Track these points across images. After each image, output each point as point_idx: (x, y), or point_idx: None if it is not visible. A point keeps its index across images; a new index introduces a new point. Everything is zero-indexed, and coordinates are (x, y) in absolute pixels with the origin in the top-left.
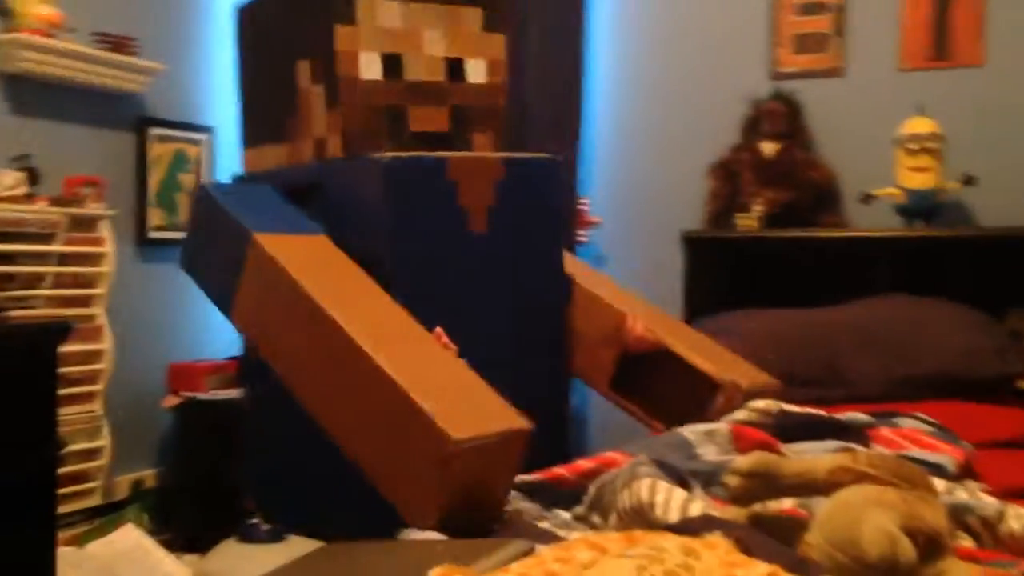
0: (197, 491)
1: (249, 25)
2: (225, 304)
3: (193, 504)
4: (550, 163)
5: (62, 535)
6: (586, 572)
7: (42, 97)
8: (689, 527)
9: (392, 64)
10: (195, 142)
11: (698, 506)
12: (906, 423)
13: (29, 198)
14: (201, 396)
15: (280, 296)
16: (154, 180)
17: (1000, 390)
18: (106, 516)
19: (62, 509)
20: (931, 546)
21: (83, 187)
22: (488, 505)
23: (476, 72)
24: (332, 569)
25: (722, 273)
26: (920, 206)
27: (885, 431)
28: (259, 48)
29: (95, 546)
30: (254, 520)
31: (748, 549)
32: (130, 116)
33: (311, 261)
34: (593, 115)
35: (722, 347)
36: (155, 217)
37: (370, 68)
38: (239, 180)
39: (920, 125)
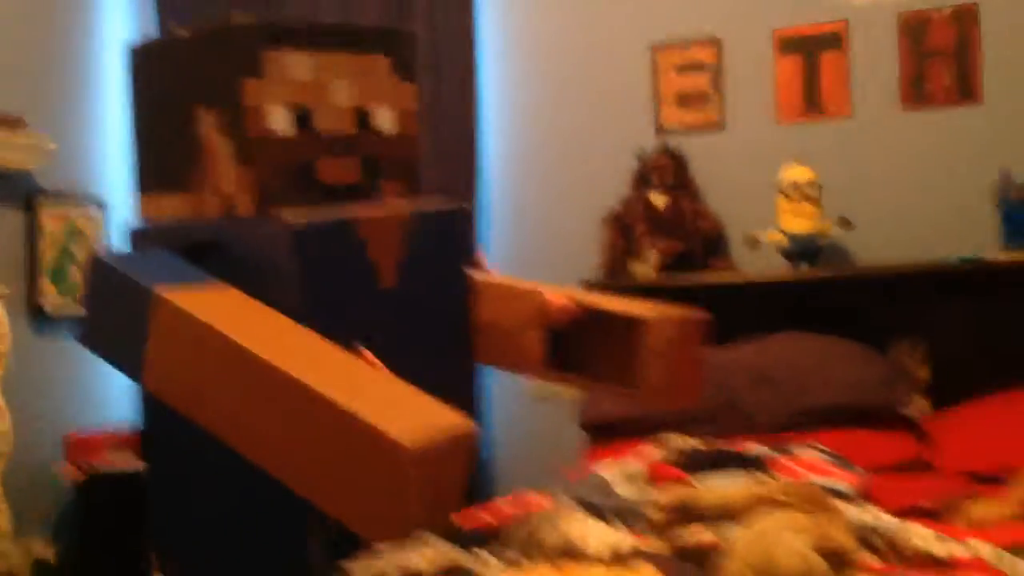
0: (99, 567)
1: (143, 65)
2: (135, 371)
3: None
4: (460, 212)
5: None
6: None
7: None
8: (621, 561)
9: (301, 116)
10: (88, 216)
11: (622, 539)
12: (803, 452)
13: None
14: (104, 469)
15: (199, 349)
16: (47, 255)
17: (887, 417)
18: None
19: None
20: (840, 564)
21: None
22: (445, 509)
23: (385, 121)
24: None
25: None
26: (803, 249)
27: (784, 460)
28: (155, 89)
29: None
30: None
31: None
32: (20, 192)
33: (224, 308)
34: (487, 168)
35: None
36: (49, 292)
37: (279, 121)
38: (133, 235)
39: (798, 174)
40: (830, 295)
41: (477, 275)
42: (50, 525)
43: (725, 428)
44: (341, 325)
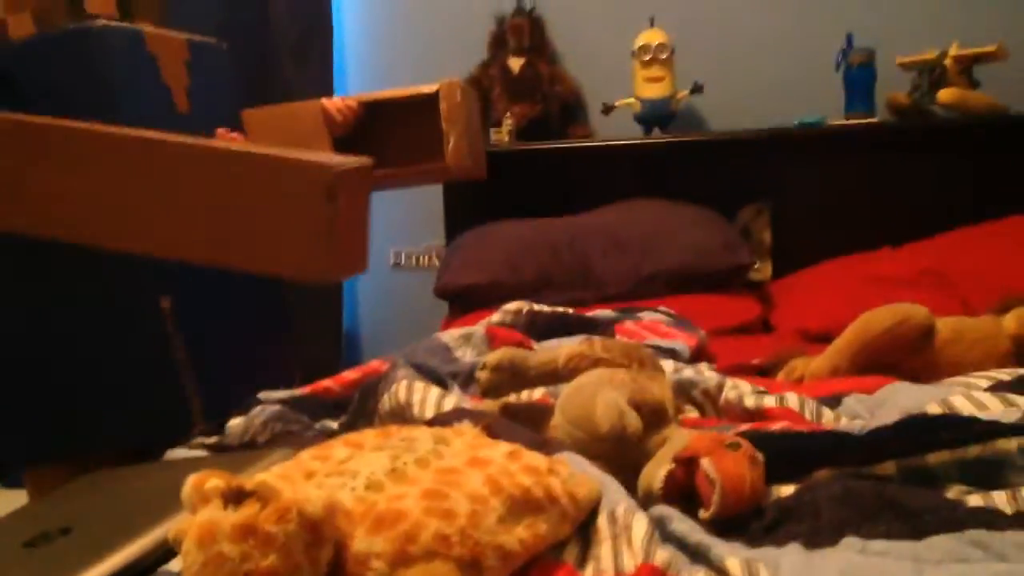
0: None
1: None
2: None
3: None
4: (220, 48)
5: None
6: (343, 466)
7: None
8: (441, 420)
9: None
10: None
11: (451, 401)
12: (647, 316)
13: None
14: None
15: (39, 147)
16: None
17: (734, 281)
18: None
19: None
20: (655, 417)
21: None
22: (359, 241)
23: None
24: (96, 495)
25: (479, 189)
26: (656, 114)
27: (629, 324)
28: None
29: None
30: None
31: (495, 434)
32: None
33: (53, 121)
34: (342, 35)
35: None
36: None
37: None
38: None
39: (651, 36)
40: (682, 161)
41: (250, 110)
42: None
43: (579, 296)
44: None
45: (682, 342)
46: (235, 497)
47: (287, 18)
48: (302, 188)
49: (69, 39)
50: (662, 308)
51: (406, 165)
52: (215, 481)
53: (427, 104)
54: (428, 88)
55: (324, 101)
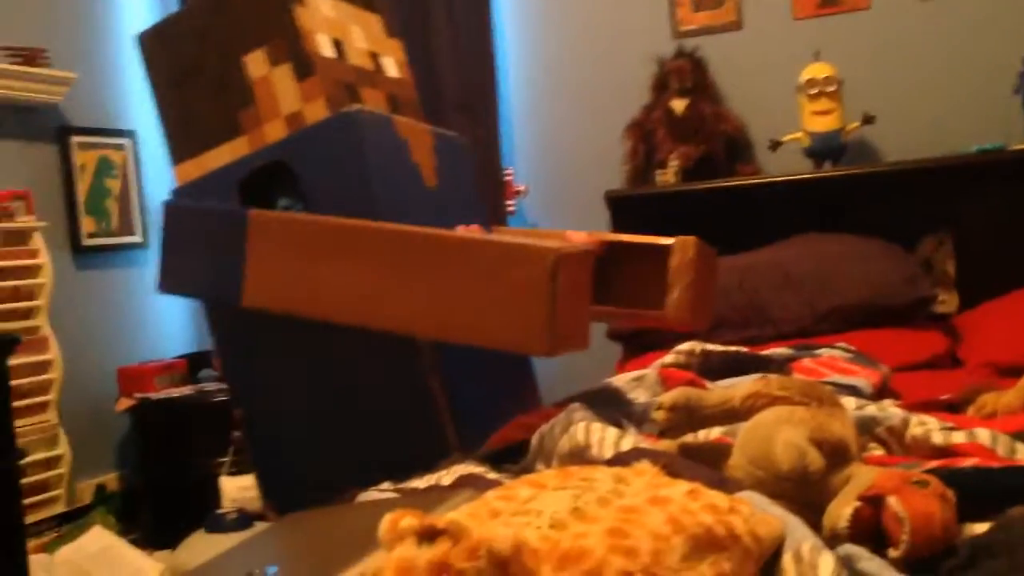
0: (160, 489)
1: (159, 46)
2: (233, 290)
3: (157, 502)
4: (460, 139)
5: (31, 544)
6: (527, 506)
7: None
8: (620, 460)
9: (339, 47)
10: (118, 147)
11: (629, 441)
12: (825, 353)
13: None
14: (154, 396)
15: (306, 245)
16: (82, 188)
17: (918, 315)
18: (73, 522)
19: (29, 519)
20: (837, 454)
21: (11, 201)
22: (579, 321)
23: (391, 68)
24: (299, 535)
25: (647, 229)
26: (826, 148)
27: (806, 361)
28: (176, 65)
29: (66, 551)
30: (220, 511)
31: (674, 473)
32: (50, 127)
33: (310, 217)
34: (507, 87)
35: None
36: (87, 225)
37: (325, 46)
38: (177, 194)
39: (818, 70)
40: (855, 194)
41: (495, 229)
42: (111, 454)
43: (754, 334)
44: (404, 215)
45: (863, 378)
46: (428, 535)
47: (453, 74)
48: (527, 269)
49: (333, 123)
50: (841, 344)
51: (629, 306)
52: (409, 520)
53: (660, 253)
54: (664, 240)
55: (570, 235)
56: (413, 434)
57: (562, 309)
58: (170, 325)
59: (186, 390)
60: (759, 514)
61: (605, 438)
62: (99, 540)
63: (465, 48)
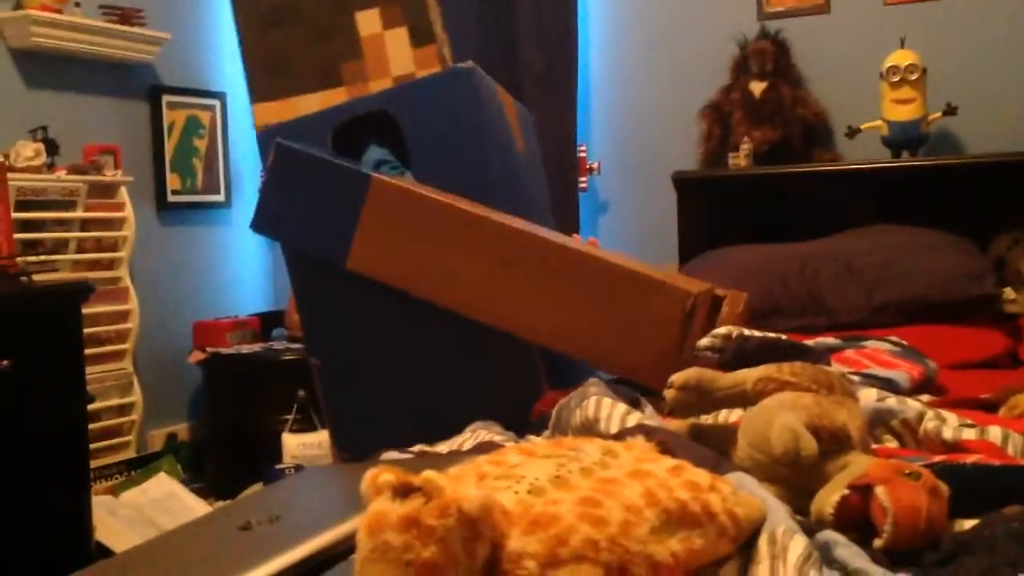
0: (226, 441)
1: None
2: (340, 250)
3: (222, 453)
4: (528, 114)
5: (100, 486)
6: (512, 471)
7: (54, 70)
8: (624, 435)
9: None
10: (207, 107)
11: (636, 418)
12: (871, 345)
13: (49, 168)
14: (225, 351)
15: (431, 221)
16: (169, 146)
17: (981, 312)
18: (141, 468)
19: (99, 462)
20: (836, 442)
21: (101, 155)
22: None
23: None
24: (308, 489)
25: (714, 212)
26: (905, 137)
27: (849, 352)
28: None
29: (130, 494)
30: (279, 466)
31: (669, 451)
32: (142, 85)
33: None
34: (586, 62)
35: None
36: (173, 182)
37: (438, 25)
38: (273, 134)
39: (901, 57)
40: (933, 185)
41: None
42: (183, 405)
43: (810, 323)
44: (514, 176)
45: (903, 372)
46: (404, 491)
47: (534, 48)
48: (665, 306)
49: (448, 76)
50: (892, 338)
51: None
52: (388, 476)
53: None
54: (718, 291)
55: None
56: (504, 395)
57: (691, 347)
58: (246, 283)
59: (256, 347)
60: (741, 495)
61: (613, 414)
62: (163, 486)
63: (547, 22)
